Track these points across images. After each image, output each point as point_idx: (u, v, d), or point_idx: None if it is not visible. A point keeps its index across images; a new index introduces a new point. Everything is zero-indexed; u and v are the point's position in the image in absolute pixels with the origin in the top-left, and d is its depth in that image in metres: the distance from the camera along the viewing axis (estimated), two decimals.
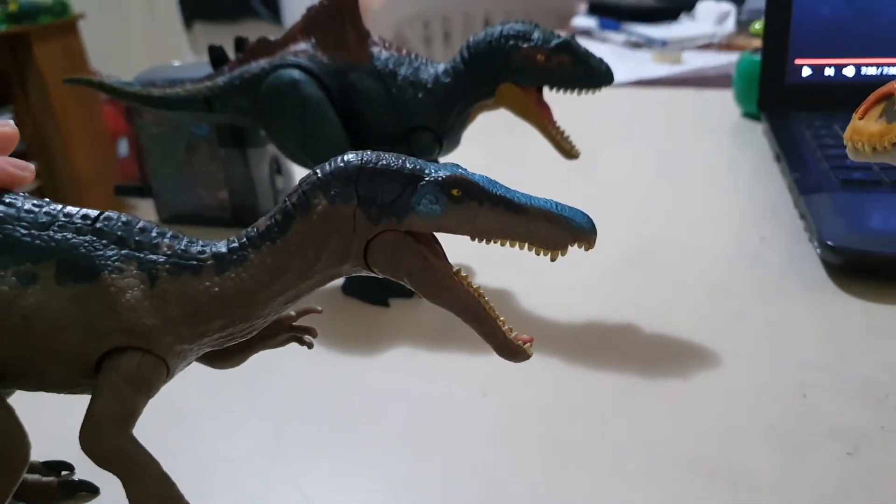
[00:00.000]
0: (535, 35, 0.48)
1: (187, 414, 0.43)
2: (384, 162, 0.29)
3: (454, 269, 0.30)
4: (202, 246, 0.31)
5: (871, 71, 0.80)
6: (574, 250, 0.30)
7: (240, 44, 0.54)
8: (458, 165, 0.30)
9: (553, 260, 0.30)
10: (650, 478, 0.37)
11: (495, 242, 0.30)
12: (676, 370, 0.45)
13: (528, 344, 0.31)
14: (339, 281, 0.54)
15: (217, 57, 0.56)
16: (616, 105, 1.00)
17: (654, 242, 0.61)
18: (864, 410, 0.40)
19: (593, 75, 0.48)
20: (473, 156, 0.47)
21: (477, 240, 0.30)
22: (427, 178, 0.29)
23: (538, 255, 0.30)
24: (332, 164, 0.30)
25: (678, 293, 0.53)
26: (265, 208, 0.65)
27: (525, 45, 0.48)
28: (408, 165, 0.29)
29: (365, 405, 0.43)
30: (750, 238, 0.61)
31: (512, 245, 0.30)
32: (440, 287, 0.30)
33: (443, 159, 0.54)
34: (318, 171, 0.30)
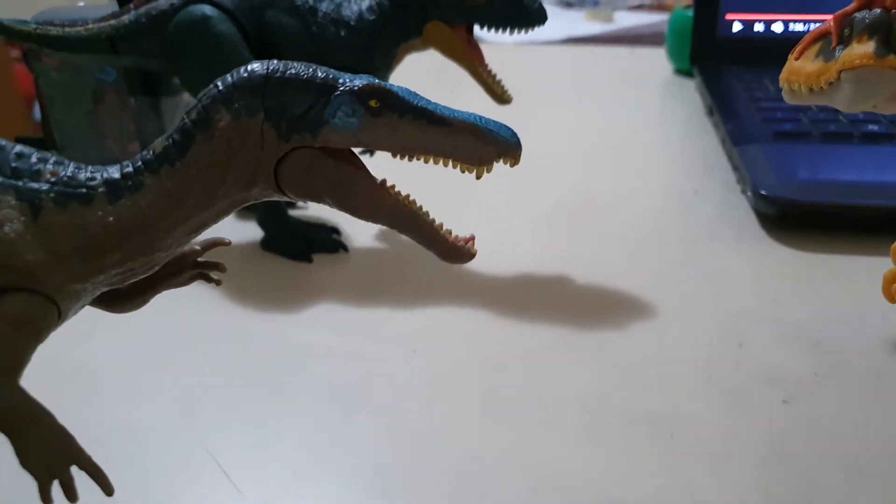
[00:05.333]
0: None
1: (88, 374, 0.39)
2: (293, 70, 0.27)
3: (379, 181, 0.28)
4: (92, 172, 0.27)
5: (799, 27, 0.80)
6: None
7: None
8: (373, 77, 0.28)
9: (478, 177, 0.28)
10: (587, 432, 0.35)
11: (417, 159, 0.28)
12: (612, 323, 0.43)
13: (471, 243, 0.29)
14: (258, 235, 0.51)
15: None
16: (549, 63, 0.98)
17: (588, 197, 0.59)
18: (799, 357, 0.40)
19: (525, 13, 0.46)
20: None
21: (398, 156, 0.28)
22: (342, 88, 0.27)
23: (463, 172, 0.28)
24: (235, 74, 0.27)
25: (612, 247, 0.52)
26: None
27: None
28: (319, 74, 0.27)
29: (284, 365, 0.40)
30: (684, 191, 0.60)
31: (436, 161, 0.28)
32: (367, 200, 0.28)
33: None
34: (219, 82, 0.27)
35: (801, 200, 0.51)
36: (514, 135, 0.28)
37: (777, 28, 0.81)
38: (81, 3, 0.64)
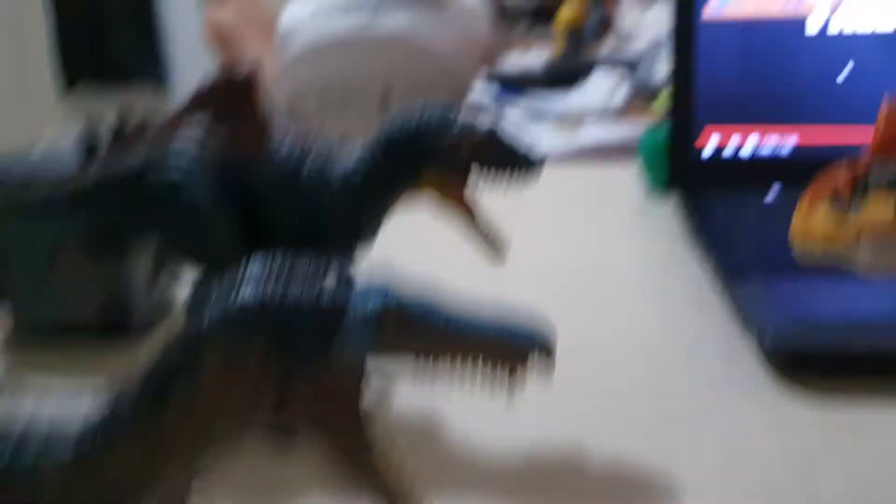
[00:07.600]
0: (456, 124, 0.43)
1: None
2: (293, 297, 0.23)
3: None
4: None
5: (786, 143, 0.78)
6: None
7: (121, 123, 0.46)
8: (387, 288, 0.24)
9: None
10: None
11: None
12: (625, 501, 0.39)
13: None
14: None
15: (89, 146, 0.48)
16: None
17: (570, 350, 0.53)
18: None
19: (521, 165, 0.44)
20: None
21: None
22: (352, 314, 0.23)
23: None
24: (225, 305, 0.23)
25: (603, 406, 0.47)
26: (143, 313, 0.56)
27: (446, 135, 0.43)
28: (324, 298, 0.23)
29: None
30: (676, 333, 0.55)
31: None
32: (359, 458, 0.24)
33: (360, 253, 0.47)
34: (206, 316, 0.23)
35: (819, 344, 0.47)
36: (539, 340, 0.25)
37: (756, 143, 0.79)
38: (40, 143, 0.60)
